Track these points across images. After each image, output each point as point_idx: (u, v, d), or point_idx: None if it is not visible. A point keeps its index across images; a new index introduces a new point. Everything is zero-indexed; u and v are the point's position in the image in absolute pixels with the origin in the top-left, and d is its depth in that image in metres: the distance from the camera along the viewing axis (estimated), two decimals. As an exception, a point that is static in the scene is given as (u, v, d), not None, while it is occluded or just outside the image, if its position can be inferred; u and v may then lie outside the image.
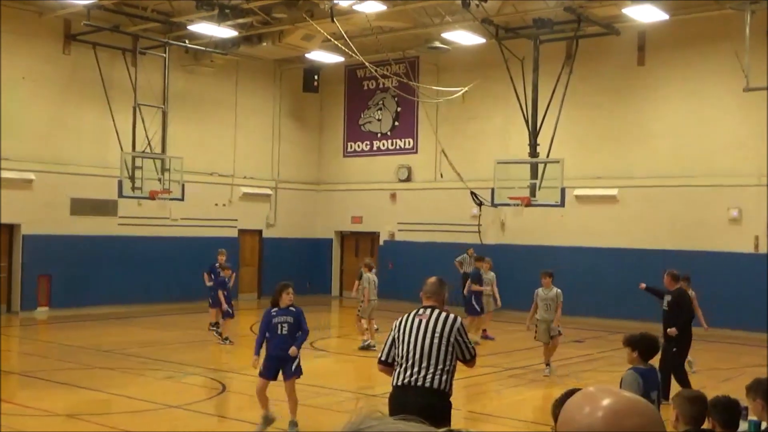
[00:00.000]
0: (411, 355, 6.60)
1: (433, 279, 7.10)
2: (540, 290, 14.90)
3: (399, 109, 27.81)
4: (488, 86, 24.12)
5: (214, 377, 13.97)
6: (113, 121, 22.59)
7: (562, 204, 19.32)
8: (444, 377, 6.57)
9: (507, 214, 24.15)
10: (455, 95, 22.49)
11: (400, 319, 6.86)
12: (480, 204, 24.54)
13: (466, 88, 22.10)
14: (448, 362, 6.61)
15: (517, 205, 19.37)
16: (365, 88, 28.67)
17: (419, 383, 6.53)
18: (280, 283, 10.27)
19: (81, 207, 22.72)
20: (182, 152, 23.35)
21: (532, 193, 19.12)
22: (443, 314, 6.74)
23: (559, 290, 14.77)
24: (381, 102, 28.32)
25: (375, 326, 20.23)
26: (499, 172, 19.77)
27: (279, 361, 10.07)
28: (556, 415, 3.41)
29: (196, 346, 17.52)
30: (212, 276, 19.03)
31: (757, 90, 20.02)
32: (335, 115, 29.34)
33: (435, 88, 23.65)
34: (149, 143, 23.10)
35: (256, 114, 27.53)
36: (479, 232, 25.54)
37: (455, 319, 6.74)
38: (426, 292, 6.93)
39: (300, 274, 27.53)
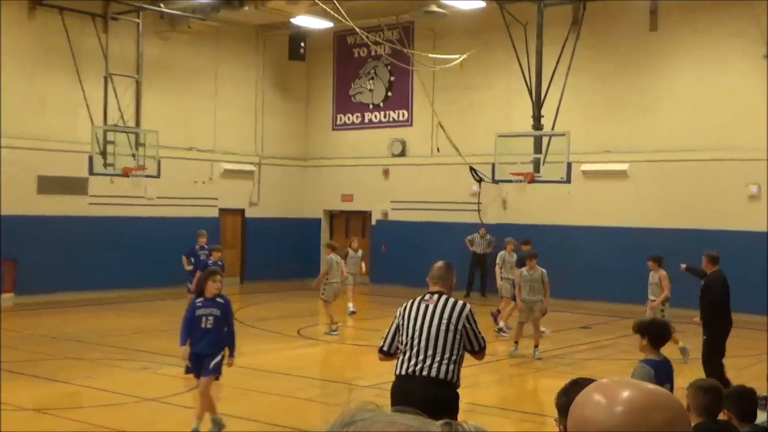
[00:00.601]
0: (416, 342, 6.61)
1: (440, 263, 7.22)
2: (524, 271, 15.60)
3: (392, 78, 27.72)
4: (488, 53, 24.05)
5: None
6: (83, 92, 22.46)
7: (568, 180, 19.31)
8: (451, 367, 6.58)
9: (509, 191, 24.16)
10: (453, 63, 22.42)
11: (404, 305, 6.90)
12: (480, 180, 24.51)
13: (465, 56, 22.03)
14: (455, 351, 6.62)
15: (520, 181, 19.37)
16: (356, 55, 28.57)
17: (424, 373, 6.53)
18: (207, 270, 10.03)
19: (48, 185, 22.64)
20: (158, 126, 23.26)
21: (536, 169, 19.11)
22: (451, 300, 6.79)
23: (543, 270, 15.54)
24: (373, 71, 28.23)
25: (352, 308, 20.39)
26: (500, 146, 19.74)
27: (198, 357, 9.69)
28: (559, 406, 3.42)
29: (173, 334, 17.45)
30: (191, 259, 19.08)
31: (778, 56, 20.02)
32: (323, 85, 29.25)
33: (431, 55, 23.57)
34: (122, 116, 22.99)
35: (238, 84, 27.42)
36: (479, 210, 25.53)
37: (464, 305, 6.78)
38: (433, 276, 6.99)
39: (286, 257, 27.59)
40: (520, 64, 19.90)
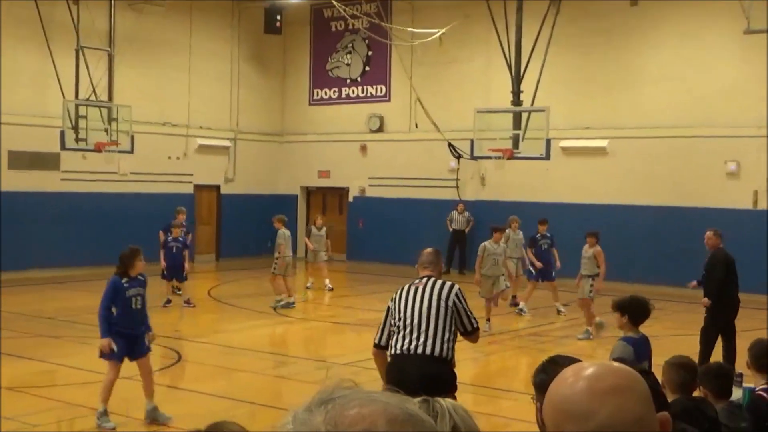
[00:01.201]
0: (409, 321, 6.78)
1: (429, 249, 7.45)
2: (487, 244, 16.03)
3: (370, 52, 27.65)
4: (468, 27, 24.03)
5: (169, 345, 14.00)
6: (54, 65, 22.24)
7: (548, 156, 19.40)
8: (445, 344, 6.77)
9: (487, 167, 24.21)
10: (432, 38, 22.38)
11: (396, 291, 7.11)
12: (458, 157, 24.60)
13: (444, 30, 21.99)
14: (447, 328, 6.80)
15: (499, 157, 19.42)
16: (333, 29, 28.45)
17: (419, 350, 6.68)
18: (132, 248, 9.69)
19: (19, 161, 22.47)
20: (131, 100, 23.09)
21: (515, 145, 19.17)
22: (440, 281, 7.02)
23: (505, 245, 16.56)
24: (350, 45, 28.15)
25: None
26: (479, 122, 19.77)
27: (131, 339, 9.49)
28: (536, 384, 3.49)
29: (150, 311, 17.48)
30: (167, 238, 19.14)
31: (759, 33, 20.11)
32: (300, 59, 29.13)
33: (410, 29, 23.51)
34: (94, 90, 22.81)
35: (213, 58, 27.25)
36: (457, 187, 25.63)
37: (453, 285, 7.01)
38: (422, 263, 7.23)
39: (261, 234, 27.50)
40: (500, 39, 19.89)
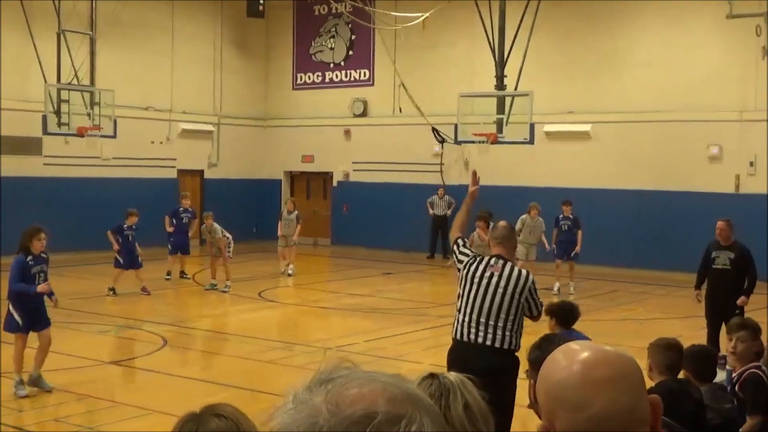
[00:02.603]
0: (478, 310, 6.77)
1: (503, 223, 7.38)
2: (475, 235, 16.12)
3: (353, 36, 27.59)
4: (451, 12, 23.99)
5: (154, 331, 13.99)
6: (35, 49, 22.06)
7: (531, 141, 19.45)
8: (512, 336, 6.79)
9: (471, 152, 24.23)
10: (415, 22, 22.35)
11: (470, 261, 7.01)
12: (442, 141, 24.60)
13: (427, 14, 21.97)
14: (516, 321, 6.84)
15: (483, 142, 19.45)
16: (316, 13, 28.36)
17: (487, 342, 6.72)
18: (32, 227, 10.52)
19: (1, 145, 22.31)
20: (113, 84, 22.97)
21: (499, 129, 19.20)
22: (516, 269, 6.93)
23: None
24: (333, 29, 28.07)
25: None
26: (462, 107, 19.79)
27: (34, 312, 10.24)
28: (530, 361, 3.53)
29: (132, 297, 17.50)
30: (173, 221, 19.96)
31: (741, 17, 20.22)
32: (283, 43, 29.04)
33: (393, 13, 23.48)
34: (76, 74, 22.67)
35: (195, 41, 27.12)
36: (441, 171, 25.65)
37: (528, 276, 6.96)
38: (497, 237, 7.11)
39: (246, 218, 27.50)
40: (483, 23, 19.90)
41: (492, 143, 19.32)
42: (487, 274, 6.86)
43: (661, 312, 16.52)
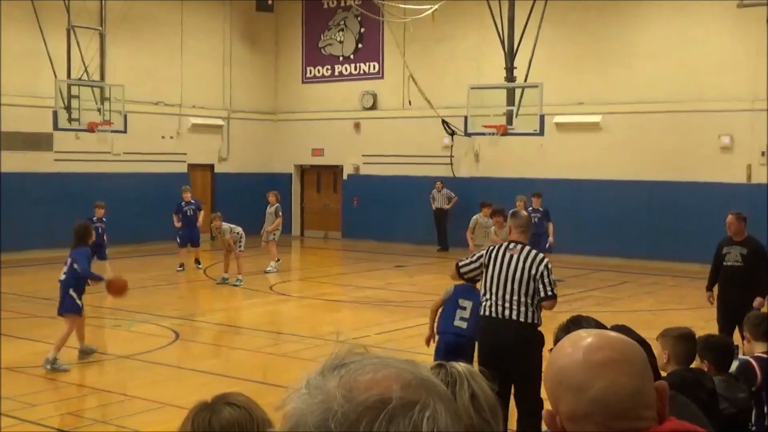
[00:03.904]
0: (503, 289, 7.51)
1: (525, 213, 8.45)
2: (478, 217, 17.43)
3: (362, 29, 27.55)
4: (461, 4, 23.93)
5: (166, 325, 14.02)
6: (45, 45, 22.11)
7: (541, 132, 19.40)
8: (533, 310, 7.48)
9: (481, 144, 24.22)
10: (424, 14, 22.30)
11: (492, 248, 7.80)
12: (452, 133, 24.57)
13: (437, 6, 21.91)
14: (536, 297, 7.51)
15: (493, 134, 19.42)
16: (325, 6, 28.33)
17: (513, 317, 7.44)
18: (86, 222, 12.29)
19: (12, 141, 22.37)
20: (123, 79, 23.01)
21: (509, 121, 19.16)
22: (533, 252, 7.66)
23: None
24: (342, 22, 28.04)
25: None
26: (472, 99, 19.75)
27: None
28: (556, 341, 3.56)
29: (144, 291, 17.54)
30: (180, 216, 20.43)
31: (753, 5, 20.11)
32: (292, 36, 29.03)
33: (402, 6, 23.42)
34: (86, 70, 22.71)
35: (205, 36, 27.13)
36: (451, 164, 25.62)
37: (543, 257, 7.65)
38: (520, 225, 7.85)
39: (257, 212, 27.46)
40: (493, 15, 19.85)
41: (502, 135, 19.30)
42: (507, 256, 7.56)
43: (673, 303, 16.48)
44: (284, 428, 1.21)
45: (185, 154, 26.60)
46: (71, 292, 11.15)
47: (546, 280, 7.46)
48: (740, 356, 7.16)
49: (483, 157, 25.06)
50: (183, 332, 13.63)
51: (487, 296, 7.55)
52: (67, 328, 11.05)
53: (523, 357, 7.25)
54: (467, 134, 21.01)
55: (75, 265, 11.19)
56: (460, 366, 1.78)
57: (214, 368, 11.23)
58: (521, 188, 22.24)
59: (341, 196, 28.16)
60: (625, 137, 22.76)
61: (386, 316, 15.18)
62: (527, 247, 7.62)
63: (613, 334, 1.86)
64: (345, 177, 28.06)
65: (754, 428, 6.04)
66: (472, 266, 7.80)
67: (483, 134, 20.09)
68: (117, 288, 11.43)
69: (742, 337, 6.65)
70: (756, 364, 6.18)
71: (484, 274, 7.64)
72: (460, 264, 7.95)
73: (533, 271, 7.44)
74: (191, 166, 26.86)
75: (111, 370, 11.39)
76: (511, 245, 7.62)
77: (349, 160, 27.75)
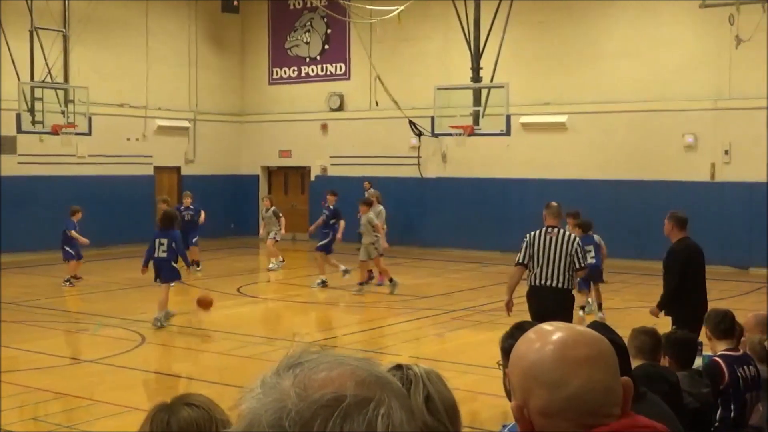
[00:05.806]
0: (546, 264, 9.65)
1: (555, 203, 10.28)
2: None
3: (329, 30, 27.52)
4: (426, 4, 23.96)
5: (132, 328, 13.92)
6: (7, 47, 21.86)
7: (508, 132, 19.47)
8: (569, 279, 9.69)
9: (448, 144, 24.25)
10: (390, 15, 22.31)
11: (533, 233, 9.85)
12: (419, 134, 24.60)
13: (402, 7, 21.93)
14: (570, 268, 9.68)
15: (459, 134, 19.46)
16: (291, 7, 28.27)
17: (554, 285, 9.62)
18: (173, 210, 12.59)
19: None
20: (87, 81, 22.81)
21: (476, 122, 19.21)
22: (567, 233, 10.10)
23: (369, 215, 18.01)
24: (309, 23, 27.98)
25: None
26: (439, 99, 19.78)
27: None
28: (503, 349, 3.53)
29: (110, 295, 17.41)
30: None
31: (715, 6, 20.33)
32: (258, 38, 28.92)
33: (368, 6, 23.40)
34: (50, 72, 22.48)
35: (170, 38, 26.96)
36: (419, 164, 25.66)
37: (574, 239, 9.93)
38: (553, 214, 10.03)
39: (224, 214, 27.42)
40: (458, 15, 19.89)
41: (469, 135, 19.34)
42: (548, 238, 9.74)
43: (640, 300, 16.58)
44: (239, 428, 1.21)
45: (151, 156, 26.41)
46: (174, 264, 14.08)
47: (579, 255, 9.70)
48: (704, 353, 7.24)
49: (450, 158, 25.11)
50: (149, 335, 13.53)
51: (535, 268, 9.63)
52: (165, 292, 13.81)
53: (560, 315, 8.46)
54: (434, 135, 21.04)
55: (174, 245, 13.91)
56: (418, 368, 1.78)
57: (182, 371, 11.17)
58: (488, 188, 22.36)
59: (309, 197, 28.09)
60: (590, 137, 22.92)
61: (355, 317, 15.17)
62: (561, 230, 9.86)
63: (580, 328, 1.84)
64: (312, 178, 28.00)
65: (717, 425, 6.10)
66: (523, 254, 9.75)
67: (450, 135, 20.12)
68: (206, 303, 13.69)
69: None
70: (722, 363, 6.24)
71: (530, 253, 9.68)
72: (517, 261, 9.85)
73: (567, 249, 9.61)
74: (157, 169, 26.69)
75: (77, 375, 11.28)
76: (549, 229, 9.80)
77: (317, 162, 27.71)
